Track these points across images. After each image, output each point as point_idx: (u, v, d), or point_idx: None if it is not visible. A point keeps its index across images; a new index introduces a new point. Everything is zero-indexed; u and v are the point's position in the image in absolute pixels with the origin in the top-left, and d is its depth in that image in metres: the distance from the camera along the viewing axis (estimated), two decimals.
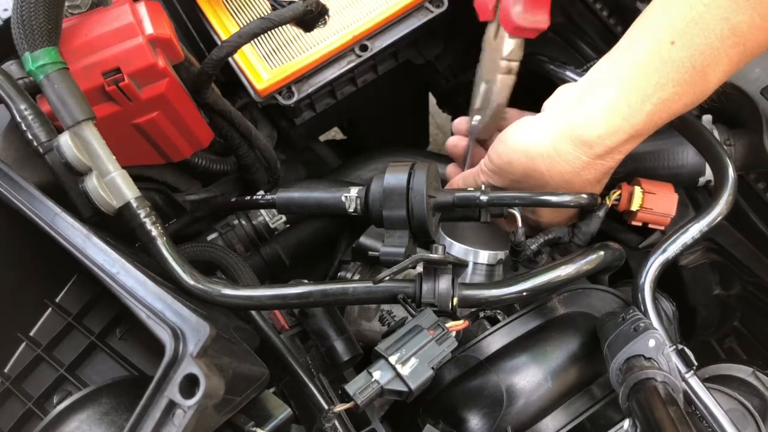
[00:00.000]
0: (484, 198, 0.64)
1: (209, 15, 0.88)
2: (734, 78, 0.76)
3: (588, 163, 0.62)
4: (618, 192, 0.70)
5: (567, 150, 0.62)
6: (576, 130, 0.61)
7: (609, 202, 0.69)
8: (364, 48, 0.87)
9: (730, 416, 0.57)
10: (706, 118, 0.76)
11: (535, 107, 0.71)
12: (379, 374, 0.55)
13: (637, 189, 0.69)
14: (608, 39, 0.89)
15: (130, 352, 0.71)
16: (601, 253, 0.65)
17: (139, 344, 0.72)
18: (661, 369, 0.56)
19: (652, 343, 0.57)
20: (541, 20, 0.71)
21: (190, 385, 0.47)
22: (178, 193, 0.86)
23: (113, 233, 0.62)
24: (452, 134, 0.85)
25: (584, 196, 0.64)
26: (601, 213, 0.69)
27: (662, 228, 0.71)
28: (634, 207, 0.69)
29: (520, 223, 0.66)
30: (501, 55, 0.73)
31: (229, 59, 0.84)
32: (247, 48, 0.85)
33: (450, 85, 1.18)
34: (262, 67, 0.85)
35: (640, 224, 0.70)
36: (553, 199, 0.64)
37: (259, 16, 0.75)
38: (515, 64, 0.75)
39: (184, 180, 0.87)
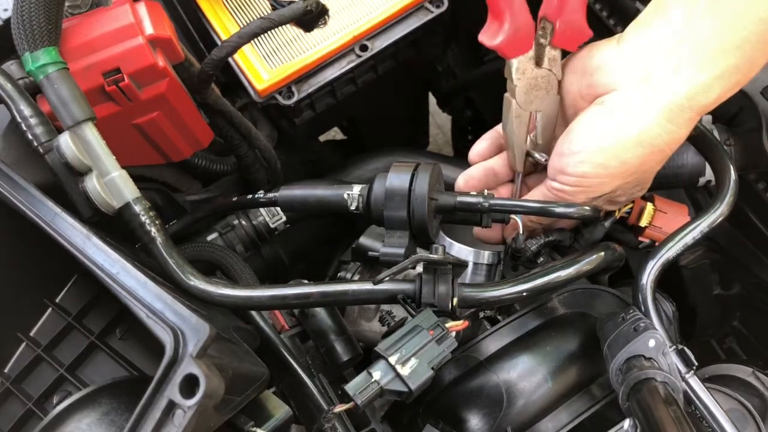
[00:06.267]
0: (486, 203, 0.64)
1: (209, 15, 0.88)
2: None
3: (694, 119, 0.59)
4: (630, 205, 0.69)
5: (685, 117, 0.58)
6: (693, 98, 0.57)
7: (618, 214, 0.69)
8: (364, 48, 0.87)
9: (730, 416, 0.57)
10: (706, 118, 0.76)
11: None
12: (378, 374, 0.55)
13: (649, 206, 0.68)
14: None
15: (130, 352, 0.71)
16: (602, 253, 0.65)
17: (139, 344, 0.71)
18: (661, 369, 0.56)
19: (652, 343, 0.57)
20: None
21: (190, 385, 0.47)
22: (178, 193, 0.86)
23: (113, 233, 0.62)
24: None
25: (587, 208, 0.63)
26: (607, 223, 0.69)
27: None
28: (643, 223, 0.68)
29: (521, 230, 0.66)
30: (558, 77, 0.67)
31: (229, 59, 0.84)
32: (247, 48, 0.85)
33: (450, 85, 1.18)
34: (262, 67, 0.85)
35: (647, 241, 0.70)
36: (557, 209, 0.63)
37: (259, 16, 0.75)
38: None
39: (184, 180, 0.87)
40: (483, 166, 0.74)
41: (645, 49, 0.59)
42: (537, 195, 0.67)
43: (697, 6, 0.56)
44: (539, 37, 0.65)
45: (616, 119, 0.60)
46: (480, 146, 0.75)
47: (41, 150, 0.60)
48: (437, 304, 0.59)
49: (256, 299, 0.61)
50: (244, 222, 0.89)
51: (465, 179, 0.73)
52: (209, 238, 0.88)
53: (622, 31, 0.62)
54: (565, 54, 0.66)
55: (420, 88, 1.25)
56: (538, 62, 0.66)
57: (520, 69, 0.66)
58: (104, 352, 0.70)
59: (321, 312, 0.74)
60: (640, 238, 0.70)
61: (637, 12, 0.78)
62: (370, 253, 0.82)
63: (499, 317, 0.75)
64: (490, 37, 0.65)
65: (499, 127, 0.74)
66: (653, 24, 0.59)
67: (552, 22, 0.64)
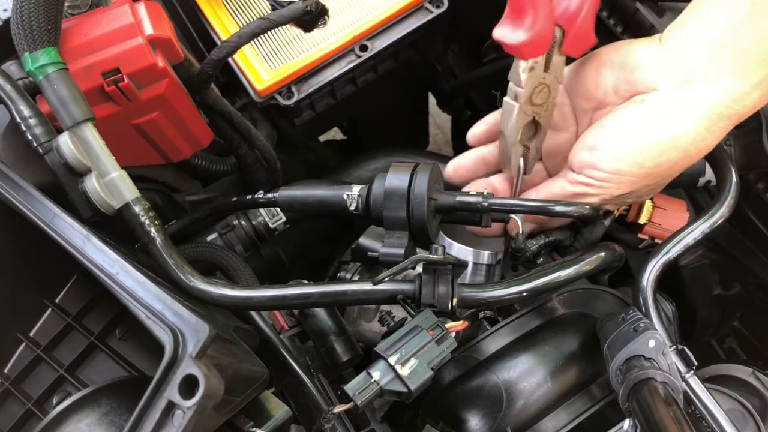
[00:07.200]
0: (485, 203, 0.64)
1: (209, 15, 0.88)
2: None
3: (727, 128, 0.59)
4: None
5: (720, 126, 0.58)
6: (731, 107, 0.57)
7: (617, 212, 0.69)
8: (364, 48, 0.87)
9: (729, 416, 0.57)
10: None
11: None
12: (378, 375, 0.55)
13: (648, 202, 0.68)
14: (608, 40, 0.89)
15: (129, 353, 0.71)
16: (602, 253, 0.65)
17: (138, 345, 0.71)
18: (661, 369, 0.56)
19: (652, 343, 0.57)
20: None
21: (189, 385, 0.47)
22: (178, 194, 0.86)
23: (113, 233, 0.62)
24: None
25: (587, 207, 0.63)
26: (607, 222, 0.69)
27: None
28: (642, 220, 0.68)
29: (521, 230, 0.66)
30: (559, 83, 0.66)
31: (229, 59, 0.84)
32: (247, 48, 0.85)
33: (450, 85, 1.18)
34: (262, 68, 0.85)
35: (646, 238, 0.69)
36: (557, 208, 0.63)
37: (259, 16, 0.75)
38: None
39: (184, 180, 0.87)
40: (473, 155, 0.73)
41: (688, 52, 0.58)
42: (555, 187, 0.66)
43: (738, 12, 0.56)
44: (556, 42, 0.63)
45: (658, 120, 0.59)
46: (478, 129, 0.74)
47: (41, 150, 0.60)
48: (437, 304, 0.59)
49: (255, 299, 0.61)
50: (243, 222, 0.89)
51: (454, 167, 0.73)
52: (209, 238, 0.88)
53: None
54: (570, 60, 0.65)
55: (420, 88, 1.25)
56: (546, 66, 0.64)
57: (529, 71, 0.64)
58: (104, 353, 0.70)
59: (321, 312, 0.74)
60: (640, 236, 0.70)
61: (637, 12, 0.79)
62: (369, 253, 0.82)
63: (498, 317, 0.75)
64: (507, 35, 0.62)
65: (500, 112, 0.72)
66: (696, 27, 0.59)
67: (563, 28, 0.62)
